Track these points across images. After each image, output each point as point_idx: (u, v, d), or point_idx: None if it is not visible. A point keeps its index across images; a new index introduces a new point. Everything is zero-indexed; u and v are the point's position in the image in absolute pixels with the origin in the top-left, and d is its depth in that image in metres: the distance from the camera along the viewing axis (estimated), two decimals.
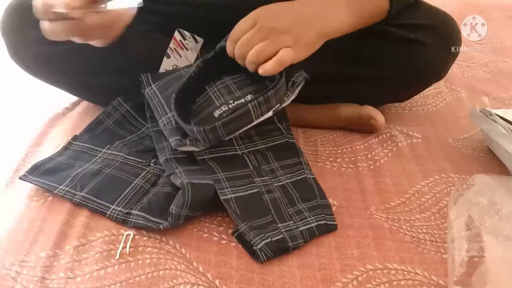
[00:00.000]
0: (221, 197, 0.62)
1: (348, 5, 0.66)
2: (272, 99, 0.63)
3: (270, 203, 0.64)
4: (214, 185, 0.63)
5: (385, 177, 0.73)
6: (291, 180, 0.68)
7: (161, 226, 0.59)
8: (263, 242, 0.58)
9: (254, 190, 0.65)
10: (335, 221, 0.63)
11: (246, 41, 0.61)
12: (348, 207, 0.67)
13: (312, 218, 0.62)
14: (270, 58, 0.61)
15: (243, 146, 0.71)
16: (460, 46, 0.77)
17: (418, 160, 0.77)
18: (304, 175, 0.69)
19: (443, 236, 0.62)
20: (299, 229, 0.61)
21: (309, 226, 0.61)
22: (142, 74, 0.73)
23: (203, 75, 0.69)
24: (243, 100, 0.67)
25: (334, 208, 0.66)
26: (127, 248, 0.58)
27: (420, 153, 0.78)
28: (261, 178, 0.67)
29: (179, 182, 0.62)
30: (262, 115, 0.63)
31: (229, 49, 0.64)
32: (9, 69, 0.83)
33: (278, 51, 0.61)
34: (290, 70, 0.65)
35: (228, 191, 0.63)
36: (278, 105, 0.65)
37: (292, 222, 0.62)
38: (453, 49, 0.76)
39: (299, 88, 0.67)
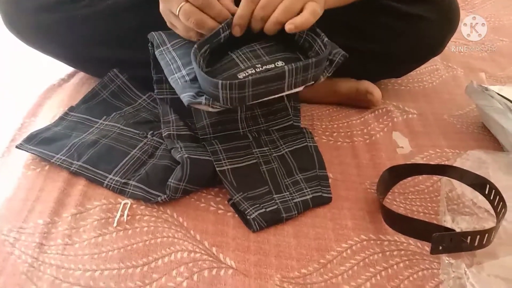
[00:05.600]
0: (217, 168, 0.62)
1: None
2: (310, 70, 0.56)
3: (267, 174, 0.64)
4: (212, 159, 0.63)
5: (381, 151, 0.73)
6: (291, 148, 0.69)
7: (159, 198, 0.60)
8: (257, 212, 0.58)
9: (252, 161, 0.65)
10: (330, 193, 0.64)
11: (270, 0, 0.55)
12: (344, 180, 0.67)
13: (308, 190, 0.63)
14: (296, 15, 0.55)
15: (247, 129, 0.71)
16: (459, 21, 0.77)
17: (413, 136, 0.77)
18: (305, 143, 0.69)
19: (436, 209, 0.63)
20: (294, 200, 0.61)
21: (304, 198, 0.62)
22: (153, 33, 0.66)
23: (227, 40, 0.60)
24: (273, 65, 0.57)
25: (329, 181, 0.66)
26: (125, 216, 0.59)
27: (416, 129, 0.79)
28: (260, 149, 0.68)
29: (178, 156, 0.62)
30: (295, 86, 0.57)
31: (246, 12, 0.56)
32: (4, 39, 0.82)
33: (303, 7, 0.55)
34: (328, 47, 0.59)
35: (225, 162, 0.63)
36: (313, 82, 0.59)
37: (288, 193, 0.62)
38: (452, 25, 0.76)
39: (336, 67, 0.61)
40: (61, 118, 0.74)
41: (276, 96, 0.57)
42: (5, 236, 0.55)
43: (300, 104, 0.76)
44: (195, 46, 0.56)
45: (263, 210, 0.59)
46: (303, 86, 0.58)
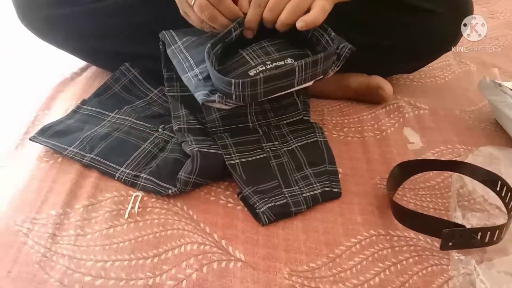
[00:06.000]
0: (227, 162, 0.63)
1: None
2: (319, 65, 0.57)
3: (277, 168, 0.65)
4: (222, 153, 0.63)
5: (391, 147, 0.73)
6: (301, 143, 0.69)
7: (169, 191, 0.61)
8: (266, 206, 0.59)
9: (262, 155, 0.66)
10: (340, 188, 0.64)
11: (276, 2, 0.57)
12: (354, 175, 0.67)
13: (318, 184, 0.63)
14: (304, 14, 0.57)
15: (256, 123, 0.71)
16: (472, 13, 0.76)
17: (424, 131, 0.77)
18: (315, 138, 0.70)
19: (447, 205, 0.63)
20: (304, 195, 0.61)
21: (313, 192, 0.62)
22: (164, 32, 0.68)
23: (239, 39, 0.62)
24: (282, 62, 0.59)
25: (339, 176, 0.66)
26: (136, 209, 0.59)
27: (427, 124, 0.79)
28: (270, 143, 0.68)
29: (189, 149, 0.63)
30: (305, 82, 0.58)
31: (254, 17, 0.59)
32: (19, 33, 0.83)
33: (311, 5, 0.57)
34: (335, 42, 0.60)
35: (235, 156, 0.64)
36: (322, 76, 0.60)
37: (297, 187, 0.63)
38: (464, 20, 0.75)
39: (344, 61, 0.62)
40: (74, 111, 0.75)
41: (287, 91, 0.59)
42: (19, 227, 0.56)
43: (309, 98, 0.76)
44: (208, 45, 0.57)
45: (273, 204, 0.59)
46: (312, 81, 0.59)
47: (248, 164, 0.64)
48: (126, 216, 0.58)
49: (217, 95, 0.57)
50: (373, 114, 0.80)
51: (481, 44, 1.08)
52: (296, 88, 0.58)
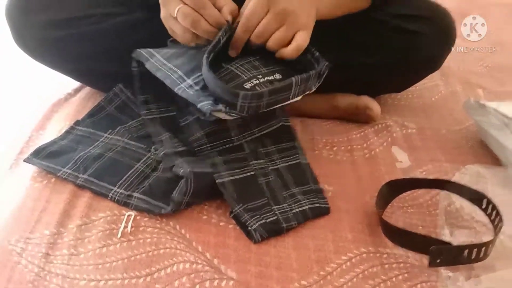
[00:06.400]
0: (217, 181, 0.64)
1: None
2: (310, 81, 0.61)
3: (265, 186, 0.66)
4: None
5: (380, 165, 0.75)
6: (286, 164, 0.71)
7: (162, 210, 0.61)
8: (258, 223, 0.60)
9: (250, 173, 0.67)
10: (328, 204, 0.65)
11: (264, 29, 0.60)
12: (344, 193, 0.69)
13: (306, 201, 0.65)
14: (288, 42, 0.61)
15: (241, 136, 0.72)
16: (455, 37, 0.79)
17: (412, 150, 0.79)
18: (298, 160, 0.71)
19: (435, 223, 0.64)
20: (293, 211, 0.63)
21: (302, 208, 0.63)
22: (139, 50, 0.68)
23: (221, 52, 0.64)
24: (272, 77, 0.62)
25: (329, 194, 0.68)
26: (129, 228, 0.60)
27: (415, 143, 0.81)
28: (257, 161, 0.69)
29: (182, 171, 0.63)
30: (297, 96, 0.61)
31: (241, 39, 0.62)
32: (14, 54, 0.84)
33: (294, 35, 0.61)
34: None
35: (225, 174, 0.65)
36: (308, 91, 0.63)
37: (286, 204, 0.64)
38: (448, 41, 0.78)
39: (323, 77, 0.64)
40: (68, 132, 0.76)
41: (282, 105, 0.61)
42: (12, 246, 0.57)
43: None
44: (205, 55, 0.59)
45: (264, 221, 0.60)
46: (301, 96, 0.62)
47: (238, 182, 0.65)
48: (119, 235, 0.59)
49: (221, 105, 0.57)
50: (362, 134, 0.82)
51: (467, 65, 1.11)
52: (290, 101, 0.61)
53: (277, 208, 0.63)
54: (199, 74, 0.61)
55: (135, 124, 0.79)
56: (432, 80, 1.00)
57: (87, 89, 0.91)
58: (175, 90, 0.62)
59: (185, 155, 0.69)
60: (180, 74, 0.63)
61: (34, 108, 0.85)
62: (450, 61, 1.06)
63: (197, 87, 0.60)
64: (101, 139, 0.74)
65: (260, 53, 0.64)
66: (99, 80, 0.84)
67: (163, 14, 0.63)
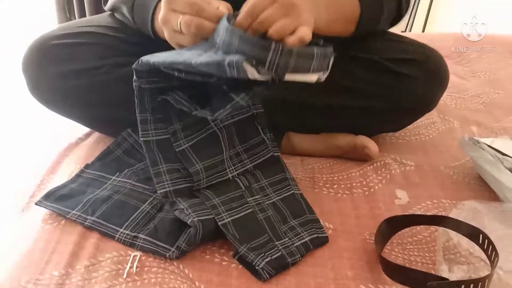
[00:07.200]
0: (219, 222, 0.65)
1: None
2: (326, 59, 0.58)
3: (265, 222, 0.68)
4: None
5: (379, 202, 0.76)
6: (280, 197, 0.73)
7: (167, 254, 0.63)
8: (264, 261, 0.61)
9: (248, 211, 0.69)
10: (325, 233, 0.68)
11: (267, 16, 0.58)
12: (344, 230, 0.70)
13: (305, 233, 0.67)
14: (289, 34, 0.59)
15: (233, 167, 0.74)
16: (448, 79, 0.82)
17: (411, 187, 0.80)
18: (292, 191, 0.74)
19: (434, 259, 0.65)
20: (295, 244, 0.65)
21: (303, 241, 0.66)
22: (139, 60, 0.64)
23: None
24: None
25: (330, 232, 0.69)
26: (134, 268, 0.62)
27: (413, 180, 0.82)
28: (253, 197, 0.72)
29: (189, 221, 0.64)
30: (315, 71, 0.58)
31: (244, 23, 0.59)
32: (28, 101, 0.89)
33: (296, 28, 0.60)
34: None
35: (225, 215, 0.67)
36: (322, 73, 0.60)
37: (287, 238, 0.66)
38: (441, 83, 0.81)
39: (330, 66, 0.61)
40: (78, 175, 0.79)
41: (301, 80, 0.58)
42: (22, 287, 0.59)
43: (271, 134, 0.78)
44: (224, 16, 0.58)
45: (269, 258, 0.62)
46: (317, 75, 0.59)
47: (238, 221, 0.67)
48: (125, 275, 0.61)
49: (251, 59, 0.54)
50: (361, 171, 0.84)
51: (464, 102, 1.15)
52: (308, 77, 0.58)
53: (279, 243, 0.65)
54: (213, 50, 0.59)
55: (142, 166, 0.82)
56: (429, 118, 1.03)
57: (97, 134, 0.95)
58: (198, 62, 0.57)
59: (187, 195, 0.70)
60: (197, 50, 0.60)
61: (46, 152, 0.89)
62: (447, 99, 1.10)
63: (219, 53, 0.58)
64: (110, 182, 0.77)
65: None
66: (108, 126, 0.88)
67: (166, 34, 0.63)
